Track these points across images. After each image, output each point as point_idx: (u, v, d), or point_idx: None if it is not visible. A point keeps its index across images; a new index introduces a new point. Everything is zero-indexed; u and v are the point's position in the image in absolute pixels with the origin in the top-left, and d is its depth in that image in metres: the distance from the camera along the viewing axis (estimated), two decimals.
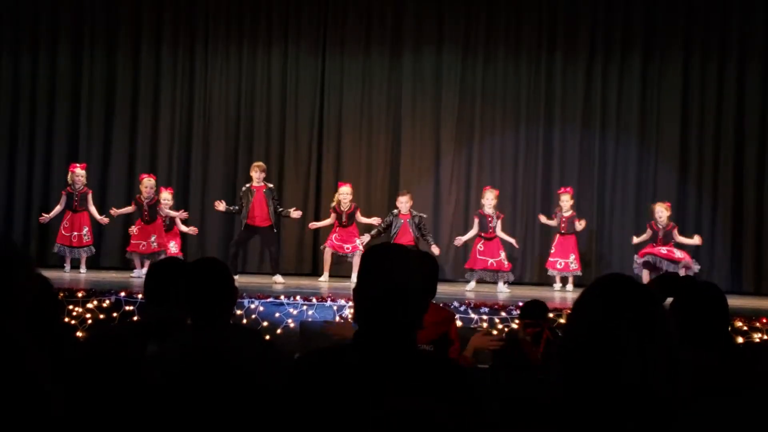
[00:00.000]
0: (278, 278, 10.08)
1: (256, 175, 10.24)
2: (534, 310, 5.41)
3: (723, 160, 11.37)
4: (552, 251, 10.57)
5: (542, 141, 11.61)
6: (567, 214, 10.49)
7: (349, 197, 10.44)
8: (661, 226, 10.06)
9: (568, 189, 10.66)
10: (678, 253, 9.97)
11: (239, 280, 10.21)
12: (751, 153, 11.31)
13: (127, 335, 3.40)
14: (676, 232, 10.11)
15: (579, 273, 10.45)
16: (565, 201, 10.50)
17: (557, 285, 10.51)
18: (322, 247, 10.65)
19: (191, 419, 2.14)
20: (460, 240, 10.47)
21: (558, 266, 10.47)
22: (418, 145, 11.72)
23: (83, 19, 11.74)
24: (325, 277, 10.39)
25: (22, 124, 11.71)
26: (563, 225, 10.48)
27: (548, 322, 5.60)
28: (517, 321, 7.09)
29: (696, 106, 11.45)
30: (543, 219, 10.78)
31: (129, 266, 10.64)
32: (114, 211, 10.45)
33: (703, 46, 11.42)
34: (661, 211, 10.06)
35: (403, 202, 10.25)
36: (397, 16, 11.76)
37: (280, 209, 10.32)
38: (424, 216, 10.44)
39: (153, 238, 10.21)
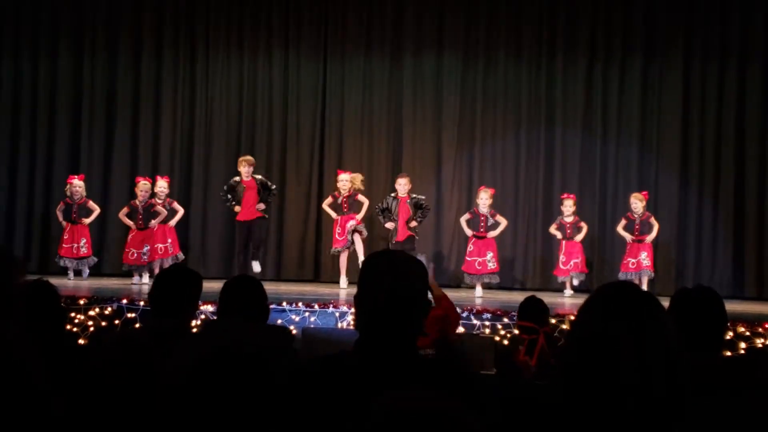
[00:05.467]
0: (255, 266, 10.09)
1: (245, 170, 10.24)
2: (532, 310, 5.00)
3: (724, 163, 11.35)
4: (563, 259, 10.43)
5: (543, 144, 11.60)
6: (569, 219, 10.47)
7: (348, 185, 10.41)
8: (636, 216, 10.28)
9: (571, 195, 10.64)
10: (645, 262, 10.18)
11: None
12: (752, 156, 11.28)
13: (145, 338, 3.39)
14: (653, 220, 10.32)
15: (582, 276, 10.44)
16: (568, 207, 10.47)
17: (568, 291, 10.40)
18: (333, 251, 10.60)
19: (214, 415, 2.14)
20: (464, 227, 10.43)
21: (571, 267, 10.38)
22: (420, 148, 11.73)
23: (84, 24, 11.75)
24: (344, 282, 10.35)
25: (23, 130, 11.71)
26: (568, 231, 10.44)
27: (547, 327, 5.35)
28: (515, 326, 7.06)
29: (697, 109, 11.43)
30: (553, 230, 10.63)
31: (130, 273, 10.64)
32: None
33: (703, 48, 11.41)
34: (636, 202, 10.32)
35: (402, 184, 10.26)
36: (397, 19, 11.77)
37: (271, 198, 10.41)
38: (423, 198, 10.41)
39: (160, 246, 10.19)
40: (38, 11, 11.73)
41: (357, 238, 10.27)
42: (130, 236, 10.28)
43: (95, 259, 10.67)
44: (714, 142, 11.39)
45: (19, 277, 2.35)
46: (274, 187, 10.52)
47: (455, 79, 11.68)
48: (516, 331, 7.07)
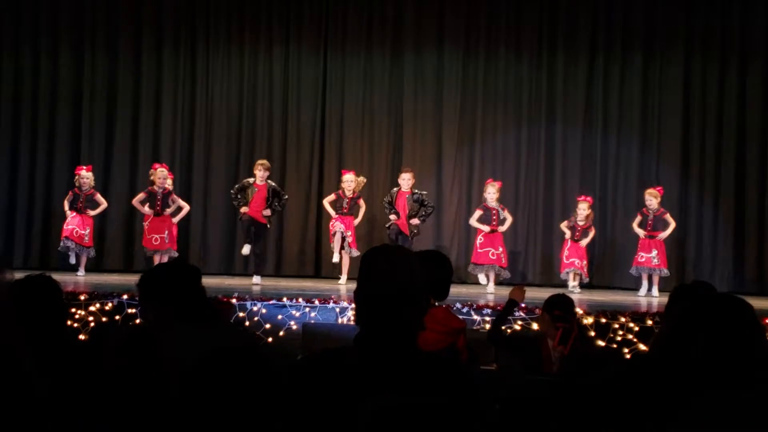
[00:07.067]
0: (256, 279, 10.11)
1: (260, 173, 10.24)
2: (564, 304, 5.14)
3: (724, 160, 11.36)
4: (566, 254, 10.38)
5: (544, 140, 11.60)
6: (582, 222, 10.40)
7: (353, 185, 10.39)
8: (651, 212, 10.23)
9: (588, 198, 10.56)
10: (655, 261, 10.13)
11: (240, 282, 10.22)
12: (752, 152, 11.31)
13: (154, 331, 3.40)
14: (668, 217, 10.25)
15: (586, 279, 10.43)
16: (582, 210, 10.38)
17: (572, 283, 10.34)
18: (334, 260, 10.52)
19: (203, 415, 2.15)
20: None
21: (576, 264, 10.33)
22: (420, 144, 11.72)
23: (84, 20, 11.73)
24: (343, 279, 10.33)
25: (24, 125, 11.69)
26: (578, 233, 10.38)
27: (577, 320, 5.51)
28: (537, 313, 7.05)
29: (697, 105, 11.44)
30: (564, 227, 10.55)
31: (131, 268, 10.59)
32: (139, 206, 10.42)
33: (704, 45, 11.41)
34: (650, 198, 10.25)
35: (405, 179, 10.25)
36: (398, 15, 11.76)
37: (279, 208, 10.38)
38: (425, 193, 10.41)
39: (167, 234, 10.21)
40: (38, 8, 11.71)
41: (345, 256, 10.27)
42: (148, 223, 10.27)
43: (93, 252, 10.64)
44: (714, 139, 11.40)
45: (5, 275, 2.36)
46: (286, 197, 10.48)
47: (456, 75, 11.68)
48: (536, 324, 7.04)
